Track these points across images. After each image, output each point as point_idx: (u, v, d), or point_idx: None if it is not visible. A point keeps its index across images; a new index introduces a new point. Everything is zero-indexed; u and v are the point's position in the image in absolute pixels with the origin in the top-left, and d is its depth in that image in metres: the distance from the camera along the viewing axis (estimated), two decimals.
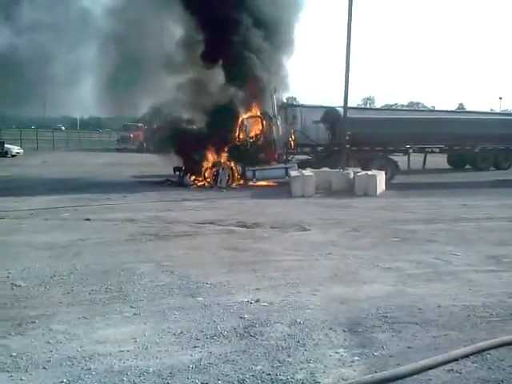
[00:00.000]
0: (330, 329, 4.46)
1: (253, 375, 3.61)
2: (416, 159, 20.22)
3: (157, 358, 3.88)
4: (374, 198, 14.23)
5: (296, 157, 20.51)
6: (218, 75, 17.93)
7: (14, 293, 5.44)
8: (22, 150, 34.57)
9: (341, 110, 17.55)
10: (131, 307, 5.00)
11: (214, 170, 17.43)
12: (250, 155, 17.89)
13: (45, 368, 3.71)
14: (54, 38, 20.75)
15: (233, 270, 6.38)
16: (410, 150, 19.69)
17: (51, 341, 4.18)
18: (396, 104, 71.85)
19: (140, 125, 45.04)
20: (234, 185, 17.28)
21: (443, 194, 15.02)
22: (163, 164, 18.81)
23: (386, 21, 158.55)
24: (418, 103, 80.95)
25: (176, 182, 17.58)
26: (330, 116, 20.50)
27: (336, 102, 20.76)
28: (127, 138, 46.68)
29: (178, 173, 17.96)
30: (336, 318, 4.71)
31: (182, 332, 4.37)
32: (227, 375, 3.61)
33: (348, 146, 17.30)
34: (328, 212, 11.59)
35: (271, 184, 17.96)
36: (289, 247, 7.80)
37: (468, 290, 5.60)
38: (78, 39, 21.82)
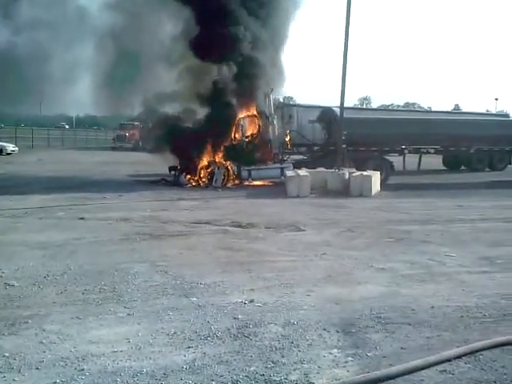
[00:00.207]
0: (324, 329, 4.47)
1: (246, 376, 3.61)
2: (411, 160, 20.27)
3: (150, 358, 3.88)
4: (369, 198, 14.26)
5: (292, 157, 20.51)
6: (213, 72, 17.87)
7: (8, 292, 5.42)
8: (17, 148, 34.41)
9: (337, 110, 17.57)
10: (125, 307, 4.99)
11: (209, 169, 17.41)
12: (246, 155, 17.88)
13: (38, 368, 3.69)
14: (51, 36, 20.68)
15: (227, 271, 6.38)
16: (406, 151, 19.74)
17: (44, 341, 4.17)
18: (392, 104, 72.05)
19: (136, 123, 44.99)
20: (229, 184, 17.26)
21: (438, 195, 15.06)
22: (159, 163, 18.78)
23: (383, 21, 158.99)
24: (413, 104, 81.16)
25: (171, 182, 17.57)
26: (326, 116, 20.54)
27: (332, 101, 20.80)
28: (123, 137, 46.61)
29: (173, 172, 17.94)
30: (330, 319, 4.72)
31: (175, 332, 4.36)
32: (221, 376, 3.61)
33: (344, 146, 17.33)
34: (323, 212, 11.60)
35: (267, 184, 17.97)
36: (283, 247, 7.81)
37: (461, 291, 5.62)
38: (75, 37, 21.75)
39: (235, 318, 4.71)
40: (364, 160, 18.50)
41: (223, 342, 4.19)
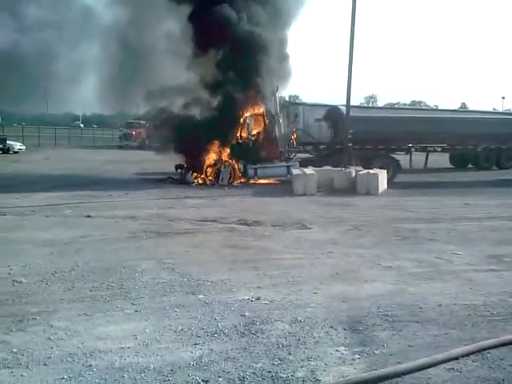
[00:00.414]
0: (331, 327, 4.47)
1: (253, 373, 3.61)
2: (418, 158, 20.20)
3: (157, 354, 3.89)
4: (375, 196, 14.22)
5: (298, 155, 20.50)
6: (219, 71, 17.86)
7: (16, 289, 5.45)
8: (24, 147, 34.61)
9: (343, 109, 17.53)
10: (132, 304, 5.00)
11: (215, 167, 17.43)
12: (252, 153, 17.88)
13: (45, 364, 3.71)
14: (57, 36, 20.79)
15: (234, 268, 6.39)
16: (412, 149, 19.67)
17: (52, 337, 4.19)
18: (398, 103, 71.81)
19: (142, 122, 45.10)
20: (235, 183, 17.29)
21: (445, 193, 15.00)
22: (165, 161, 18.82)
23: (389, 19, 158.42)
24: (420, 102, 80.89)
25: (178, 180, 17.60)
26: (332, 114, 20.50)
27: (339, 100, 20.81)
28: (129, 136, 46.74)
29: (179, 170, 17.98)
30: (337, 317, 4.71)
31: (182, 329, 4.37)
32: (228, 372, 3.61)
33: (350, 144, 17.29)
34: (329, 210, 11.59)
35: (273, 182, 17.96)
36: (290, 245, 7.80)
37: (469, 289, 5.60)
38: (81, 36, 21.85)
39: (242, 315, 4.72)
40: (370, 158, 18.47)
41: (230, 339, 4.19)
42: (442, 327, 4.49)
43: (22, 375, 3.55)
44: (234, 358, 3.84)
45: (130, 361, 3.78)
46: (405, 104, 70.36)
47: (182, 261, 6.72)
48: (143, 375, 3.56)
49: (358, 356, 3.90)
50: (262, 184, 17.53)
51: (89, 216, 10.19)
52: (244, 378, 3.55)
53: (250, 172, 17.68)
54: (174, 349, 4.00)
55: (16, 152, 32.70)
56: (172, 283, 5.71)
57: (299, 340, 4.18)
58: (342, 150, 17.13)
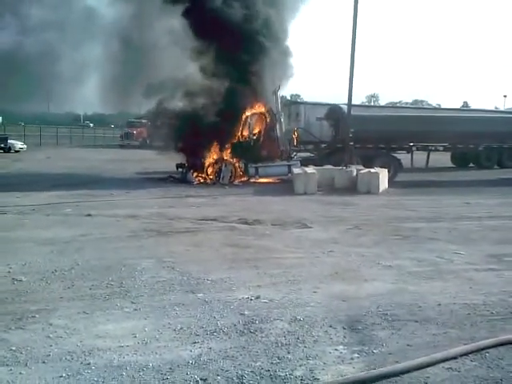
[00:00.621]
0: (330, 326, 4.46)
1: (252, 371, 3.62)
2: (419, 157, 20.18)
3: (156, 353, 3.89)
4: (376, 195, 14.21)
5: (299, 154, 20.48)
6: (222, 70, 17.84)
7: (15, 287, 5.45)
8: (25, 146, 34.63)
9: (344, 108, 17.52)
10: (132, 303, 5.01)
11: (216, 166, 17.43)
12: (253, 152, 17.87)
13: (44, 362, 3.72)
14: (59, 36, 20.83)
15: (234, 267, 6.39)
16: (414, 148, 19.65)
17: (51, 335, 4.19)
18: (400, 102, 71.70)
19: (143, 121, 45.15)
20: (236, 182, 17.28)
21: (446, 193, 14.99)
22: (166, 160, 18.82)
23: (391, 18, 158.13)
24: (422, 101, 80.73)
25: (179, 179, 17.60)
26: (333, 113, 20.49)
27: (340, 98, 20.69)
28: (130, 135, 46.78)
29: (180, 169, 17.98)
30: (336, 316, 4.71)
31: (181, 328, 4.38)
32: (227, 371, 3.61)
33: (351, 143, 17.28)
34: (330, 209, 11.58)
35: (273, 181, 17.96)
36: (290, 244, 7.80)
37: (469, 289, 5.59)
38: (83, 37, 21.89)
39: (241, 314, 4.72)
40: (372, 157, 18.45)
41: (229, 338, 4.19)
42: (441, 326, 4.49)
43: (20, 373, 3.55)
44: (232, 357, 3.84)
45: (128, 359, 3.78)
46: (406, 103, 70.23)
47: (182, 259, 6.72)
48: (142, 373, 3.57)
49: (356, 355, 3.90)
50: (263, 183, 17.53)
51: (89, 215, 10.20)
52: (243, 376, 3.55)
53: (251, 171, 17.67)
54: (172, 347, 4.00)
55: (17, 151, 32.74)
56: (172, 282, 5.71)
57: (298, 339, 4.18)
58: (343, 148, 17.14)
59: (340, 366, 3.72)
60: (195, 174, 17.58)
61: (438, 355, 3.81)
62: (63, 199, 12.39)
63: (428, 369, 3.65)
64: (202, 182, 17.20)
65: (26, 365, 3.67)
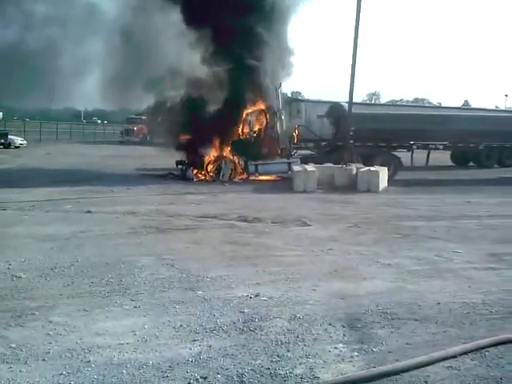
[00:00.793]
0: (330, 324, 4.47)
1: (252, 369, 3.62)
2: (419, 156, 20.17)
3: (156, 351, 3.89)
4: (376, 194, 14.21)
5: (299, 152, 20.47)
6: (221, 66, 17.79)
7: (15, 284, 5.45)
8: (25, 142, 34.61)
9: (345, 105, 17.50)
10: (131, 300, 5.01)
11: (216, 163, 17.41)
12: (253, 149, 17.85)
13: (44, 360, 3.72)
14: (61, 32, 20.81)
15: (233, 265, 6.39)
16: (414, 147, 19.66)
17: (51, 333, 4.19)
18: (401, 100, 71.58)
19: (144, 118, 45.11)
20: (236, 179, 17.26)
21: (446, 191, 14.99)
22: (166, 157, 18.81)
23: (392, 16, 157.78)
24: (423, 99, 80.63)
25: (179, 176, 17.59)
26: (334, 111, 20.49)
27: (341, 96, 20.66)
28: (131, 131, 46.77)
29: (180, 166, 17.96)
30: (336, 314, 4.71)
31: (181, 325, 4.38)
32: (226, 369, 3.62)
33: (351, 141, 17.28)
34: (330, 207, 11.58)
35: (273, 179, 17.95)
36: (290, 242, 7.80)
37: (468, 288, 5.60)
38: (85, 32, 21.85)
39: (241, 312, 4.72)
40: (372, 155, 18.46)
41: (229, 336, 4.19)
42: (440, 325, 4.49)
43: (20, 371, 3.55)
44: (232, 355, 3.84)
45: (128, 357, 3.78)
46: (407, 101, 70.10)
47: (182, 257, 6.73)
48: (142, 371, 3.57)
49: (356, 353, 3.90)
50: (263, 180, 17.52)
51: (89, 211, 10.19)
52: (243, 374, 3.55)
53: (251, 168, 17.66)
54: (172, 345, 4.00)
55: (17, 147, 32.71)
56: (171, 279, 5.71)
57: (298, 337, 4.18)
58: (344, 146, 17.12)
59: (340, 364, 3.72)
60: (195, 171, 17.56)
61: (438, 354, 3.81)
62: (63, 195, 12.38)
63: (428, 367, 3.65)
64: (201, 179, 17.18)
65: (26, 362, 3.67)
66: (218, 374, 3.56)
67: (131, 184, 15.04)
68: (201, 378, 3.50)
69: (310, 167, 15.74)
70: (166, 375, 3.52)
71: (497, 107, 50.28)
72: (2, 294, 5.09)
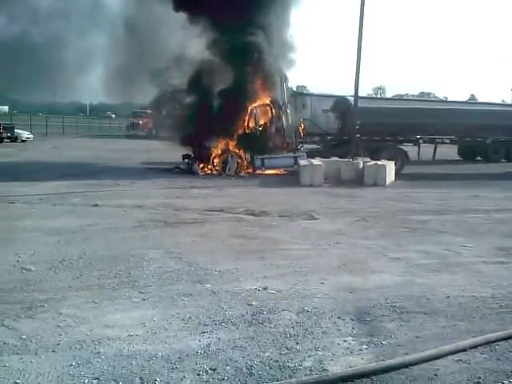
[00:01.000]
0: (339, 317, 4.46)
1: (261, 361, 3.62)
2: (426, 150, 20.07)
3: (165, 342, 3.90)
4: (383, 188, 14.17)
5: (305, 146, 20.42)
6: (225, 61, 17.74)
7: (24, 277, 5.48)
8: (31, 136, 34.69)
9: (351, 99, 17.41)
10: (140, 292, 5.02)
11: (222, 157, 17.40)
12: (259, 143, 17.81)
13: (54, 351, 3.73)
14: (66, 26, 20.87)
15: (241, 258, 6.39)
16: (421, 141, 19.55)
17: (61, 324, 4.21)
18: (407, 94, 71.22)
19: (149, 111, 45.13)
20: (242, 173, 17.24)
21: (453, 185, 14.92)
22: (172, 151, 18.82)
23: (398, 10, 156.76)
24: (429, 93, 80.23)
25: (185, 170, 17.60)
26: (340, 105, 20.40)
27: (347, 90, 20.57)
28: (136, 125, 46.83)
29: (186, 160, 17.96)
30: (344, 307, 4.71)
31: (190, 318, 4.39)
32: (235, 361, 3.62)
33: (358, 135, 17.21)
34: (336, 201, 11.56)
35: (280, 173, 17.93)
36: (297, 236, 7.79)
37: (477, 281, 5.57)
38: (89, 26, 21.89)
39: (249, 305, 4.72)
40: (378, 150, 18.38)
41: (237, 328, 4.20)
42: (449, 319, 4.48)
43: (31, 361, 3.57)
44: (241, 347, 3.84)
45: (138, 348, 3.79)
46: (413, 95, 69.74)
47: (189, 250, 6.73)
48: (151, 363, 3.58)
49: (365, 346, 3.89)
50: (269, 174, 17.49)
51: (96, 205, 10.21)
52: (252, 366, 3.55)
53: (257, 162, 17.63)
54: (181, 337, 4.01)
55: (24, 141, 32.79)
56: (179, 272, 5.72)
57: (307, 330, 4.17)
58: (350, 140, 17.06)
59: (349, 357, 3.72)
60: (201, 165, 17.55)
61: (447, 347, 3.80)
62: (70, 189, 12.41)
63: (437, 361, 3.64)
64: (207, 173, 17.18)
65: (37, 353, 3.69)
66: (227, 365, 3.56)
67: (137, 178, 15.06)
68: (210, 369, 3.50)
69: (317, 161, 15.71)
70: (175, 367, 3.53)
71: (503, 101, 49.98)
72: (11, 287, 5.12)
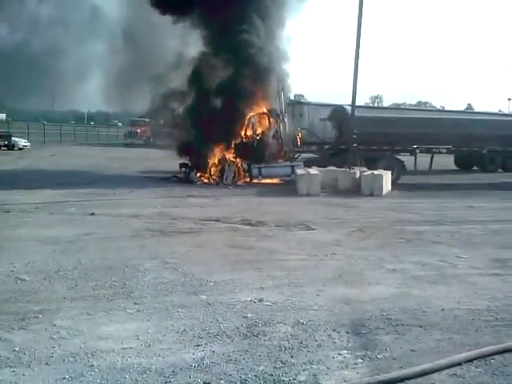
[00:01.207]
0: (334, 330, 4.44)
1: (255, 375, 3.60)
2: (423, 160, 20.12)
3: (159, 355, 3.88)
4: (379, 198, 14.18)
5: (302, 155, 20.46)
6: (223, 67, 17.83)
7: (19, 287, 5.45)
8: (29, 144, 34.65)
9: (348, 109, 17.47)
10: (135, 304, 5.00)
11: (219, 166, 17.41)
12: (256, 152, 17.83)
13: (47, 364, 3.71)
14: (65, 34, 20.96)
15: (237, 269, 6.37)
16: (417, 151, 19.59)
17: (54, 336, 4.18)
18: (404, 103, 71.53)
19: (147, 120, 45.27)
20: (239, 182, 17.25)
21: (450, 196, 14.94)
22: (170, 160, 18.82)
23: (395, 19, 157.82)
24: (426, 103, 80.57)
25: (182, 178, 17.60)
26: (337, 114, 20.45)
27: (344, 99, 20.67)
28: (134, 133, 46.90)
29: (184, 169, 17.97)
30: (340, 319, 4.69)
31: (185, 330, 4.36)
32: (229, 375, 3.60)
33: (355, 144, 17.25)
34: (333, 211, 11.56)
35: (277, 182, 17.93)
36: (293, 246, 7.78)
37: (473, 294, 5.57)
38: (88, 35, 21.98)
39: (244, 317, 4.70)
40: (375, 159, 18.40)
41: (232, 341, 4.18)
42: (445, 332, 4.46)
43: (23, 374, 3.54)
44: (235, 361, 3.82)
45: (131, 361, 3.77)
46: (410, 104, 70.08)
47: (185, 260, 6.71)
48: (145, 376, 3.55)
49: (360, 360, 3.88)
50: (266, 184, 17.50)
51: (93, 214, 10.20)
52: (246, 380, 3.53)
53: (254, 171, 17.65)
54: (175, 350, 3.99)
55: (21, 149, 32.75)
56: (174, 283, 5.70)
57: (301, 343, 4.16)
58: (347, 150, 17.09)
59: (344, 371, 3.70)
60: (198, 174, 17.56)
61: (443, 361, 3.79)
62: (67, 198, 12.40)
63: (433, 375, 3.63)
64: (205, 182, 17.19)
65: (29, 366, 3.66)
66: (221, 379, 3.54)
67: (135, 186, 15.05)
68: (204, 383, 3.48)
69: (314, 170, 15.72)
70: (169, 380, 3.51)
71: (500, 111, 50.17)
72: (5, 297, 5.10)
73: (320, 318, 4.71)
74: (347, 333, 4.39)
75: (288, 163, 18.14)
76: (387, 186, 15.38)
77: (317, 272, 6.31)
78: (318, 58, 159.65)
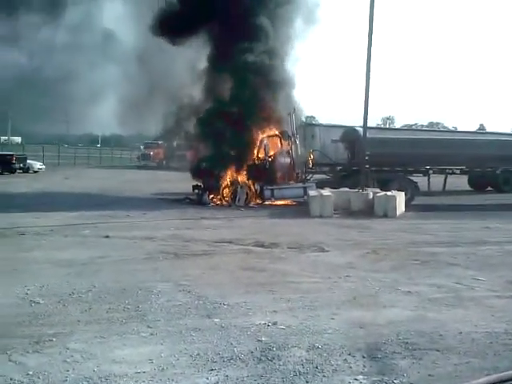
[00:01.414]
0: (349, 354, 4.38)
1: None
2: (436, 180, 20.01)
3: (173, 380, 3.85)
4: (393, 219, 14.08)
5: (314, 176, 20.46)
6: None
7: (33, 310, 5.47)
8: (44, 166, 34.99)
9: (360, 130, 17.51)
10: (148, 327, 4.98)
11: (232, 188, 17.45)
12: (269, 174, 17.87)
13: None
14: (79, 59, 21.36)
15: (250, 291, 6.34)
16: (430, 171, 19.50)
17: (68, 360, 4.18)
18: (416, 124, 71.37)
19: (160, 142, 45.81)
20: (251, 204, 17.25)
21: (464, 216, 14.80)
22: (183, 181, 18.91)
23: (406, 40, 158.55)
24: (438, 123, 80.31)
25: (195, 200, 17.64)
26: (349, 135, 20.48)
27: (355, 121, 20.71)
28: (148, 156, 47.33)
29: (196, 191, 18.03)
30: (355, 343, 4.63)
31: (198, 354, 4.33)
32: None
33: (367, 166, 17.21)
34: (346, 233, 11.49)
35: (289, 203, 17.91)
36: (307, 268, 7.73)
37: (490, 316, 5.47)
38: (101, 59, 22.38)
39: (258, 341, 4.66)
40: (388, 180, 18.33)
41: (246, 365, 4.13)
42: (462, 356, 4.38)
43: None
44: None
45: None
46: (422, 125, 69.88)
47: (199, 283, 6.70)
48: None
49: None
50: (279, 205, 17.48)
51: (107, 236, 10.24)
52: None
53: (267, 193, 17.65)
54: (189, 374, 3.95)
55: (36, 171, 33.04)
56: (188, 306, 5.68)
57: (317, 368, 4.10)
58: (359, 171, 17.06)
59: None
60: (211, 196, 17.61)
61: None
62: (81, 220, 12.48)
63: None
64: (217, 204, 17.23)
65: None
66: None
67: (148, 209, 15.11)
68: None
69: (326, 192, 15.69)
70: None
71: None
72: (20, 320, 5.11)
73: (335, 342, 4.65)
74: (363, 357, 4.33)
75: (300, 185, 18.13)
76: (401, 207, 15.28)
77: (331, 294, 6.26)
78: (329, 80, 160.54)
